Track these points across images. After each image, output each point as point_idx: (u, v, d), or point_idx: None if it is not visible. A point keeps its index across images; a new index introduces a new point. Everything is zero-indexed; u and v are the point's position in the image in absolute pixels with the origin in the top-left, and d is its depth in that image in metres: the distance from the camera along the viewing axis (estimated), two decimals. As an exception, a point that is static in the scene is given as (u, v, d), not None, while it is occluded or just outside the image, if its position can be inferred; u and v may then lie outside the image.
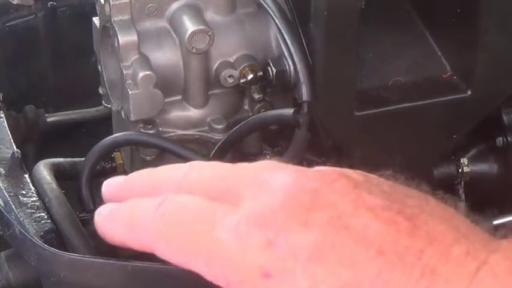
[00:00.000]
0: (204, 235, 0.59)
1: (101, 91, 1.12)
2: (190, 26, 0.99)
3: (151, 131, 1.02)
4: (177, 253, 0.61)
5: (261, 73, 1.02)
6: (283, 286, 0.55)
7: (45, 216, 0.90)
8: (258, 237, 0.57)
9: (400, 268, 0.54)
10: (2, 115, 1.09)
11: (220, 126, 1.04)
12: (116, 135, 1.04)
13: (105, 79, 1.08)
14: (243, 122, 1.02)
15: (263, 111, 1.05)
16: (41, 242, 0.82)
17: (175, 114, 1.04)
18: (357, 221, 0.56)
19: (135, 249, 0.65)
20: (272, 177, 0.60)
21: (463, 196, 1.12)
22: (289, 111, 0.99)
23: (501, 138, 1.11)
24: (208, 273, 0.59)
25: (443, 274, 0.54)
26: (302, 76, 0.97)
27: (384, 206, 0.57)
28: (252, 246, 0.57)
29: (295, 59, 0.98)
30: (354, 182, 0.59)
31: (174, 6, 1.01)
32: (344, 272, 0.54)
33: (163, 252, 0.62)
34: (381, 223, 0.56)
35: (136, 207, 0.64)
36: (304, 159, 1.13)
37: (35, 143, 1.27)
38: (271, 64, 1.02)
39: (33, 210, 0.90)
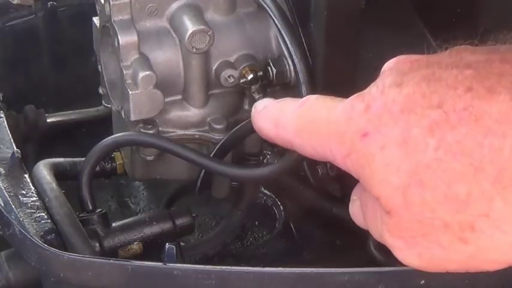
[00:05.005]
0: (323, 122, 0.64)
1: (101, 91, 1.12)
2: (190, 26, 0.99)
3: (151, 131, 1.02)
4: (308, 145, 0.65)
5: (261, 73, 1.02)
6: (378, 139, 0.59)
7: (45, 216, 0.90)
8: (358, 105, 0.62)
9: (488, 99, 0.56)
10: (2, 115, 1.09)
11: (220, 126, 1.04)
12: (117, 135, 1.04)
13: (105, 79, 1.08)
14: (243, 122, 1.02)
15: (263, 111, 1.05)
16: (41, 242, 0.82)
17: (175, 114, 1.04)
18: (449, 72, 0.58)
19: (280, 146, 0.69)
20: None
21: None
22: (289, 111, 0.99)
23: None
24: (333, 159, 0.63)
25: None
26: (302, 76, 0.97)
27: (479, 60, 0.59)
28: (354, 115, 0.61)
29: (295, 59, 0.97)
30: (458, 49, 0.63)
31: (174, 6, 1.01)
32: (433, 113, 0.57)
33: (300, 146, 0.66)
34: (473, 70, 0.58)
35: (282, 107, 0.70)
36: (304, 159, 1.13)
37: (35, 143, 1.27)
38: (271, 64, 1.02)
39: (33, 210, 0.90)
